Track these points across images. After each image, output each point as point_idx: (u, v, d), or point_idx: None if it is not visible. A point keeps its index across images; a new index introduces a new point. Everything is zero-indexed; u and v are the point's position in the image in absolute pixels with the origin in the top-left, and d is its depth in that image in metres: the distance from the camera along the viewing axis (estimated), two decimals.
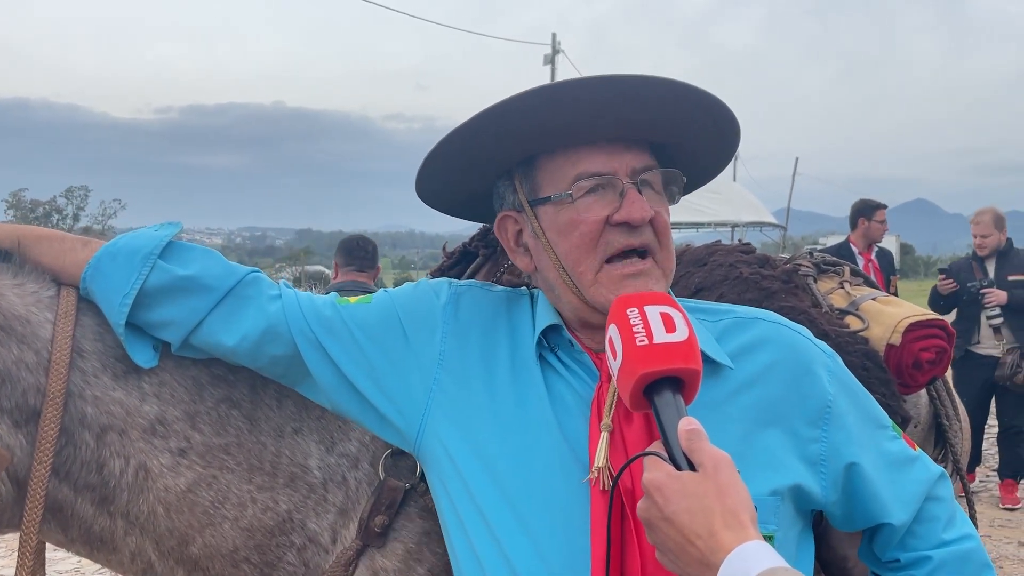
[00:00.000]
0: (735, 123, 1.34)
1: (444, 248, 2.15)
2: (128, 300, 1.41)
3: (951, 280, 6.63)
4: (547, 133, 1.27)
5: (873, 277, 7.45)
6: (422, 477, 1.54)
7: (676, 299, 1.21)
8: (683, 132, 1.32)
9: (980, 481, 7.22)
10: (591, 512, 1.20)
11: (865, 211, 7.07)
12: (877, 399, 1.97)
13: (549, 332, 1.34)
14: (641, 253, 1.27)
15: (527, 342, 1.35)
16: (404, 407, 1.37)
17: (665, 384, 1.06)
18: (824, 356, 1.36)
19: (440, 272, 2.08)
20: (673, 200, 1.34)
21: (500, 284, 1.65)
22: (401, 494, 1.55)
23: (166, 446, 1.49)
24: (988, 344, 6.55)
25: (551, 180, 1.30)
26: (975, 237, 6.68)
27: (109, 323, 1.46)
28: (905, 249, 56.12)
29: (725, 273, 2.10)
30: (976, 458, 7.01)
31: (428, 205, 1.47)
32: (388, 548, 1.56)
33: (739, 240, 3.09)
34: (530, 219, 1.32)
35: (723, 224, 17.30)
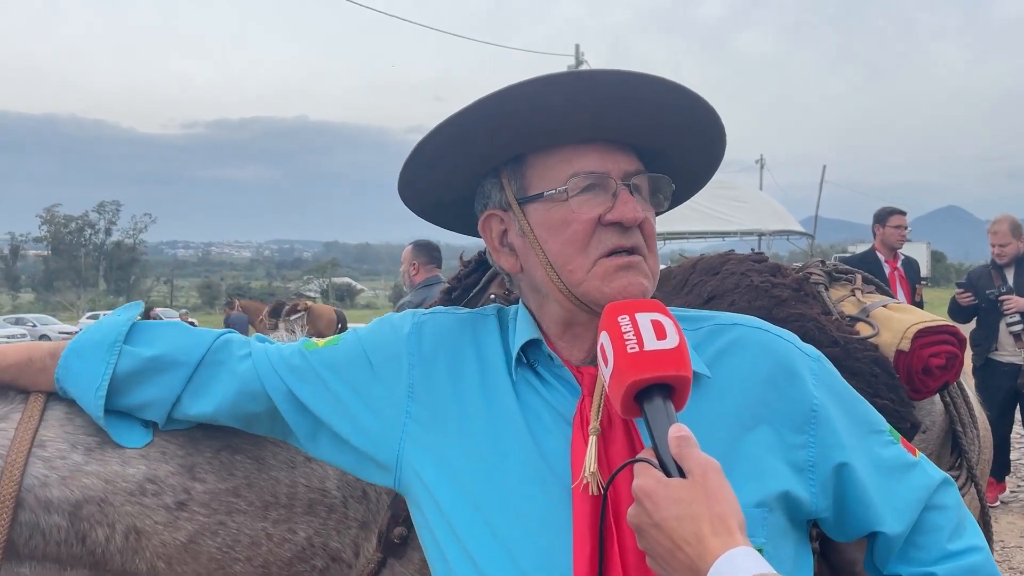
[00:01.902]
0: (723, 130, 1.32)
1: (461, 257, 2.19)
2: (101, 392, 1.43)
3: (968, 293, 6.65)
4: (544, 130, 1.24)
5: (900, 286, 7.37)
6: None
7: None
8: (674, 137, 1.30)
9: (1011, 491, 7.12)
10: (574, 519, 1.17)
11: (879, 218, 7.03)
12: (886, 405, 1.98)
13: (528, 347, 1.30)
14: (629, 252, 1.25)
15: (497, 361, 1.32)
16: (380, 442, 1.34)
17: (656, 391, 1.06)
18: (808, 359, 1.30)
19: (457, 280, 2.13)
20: (660, 207, 1.31)
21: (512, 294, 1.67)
22: None
23: (160, 503, 1.49)
24: (1008, 351, 6.50)
25: (543, 177, 1.27)
26: (993, 247, 6.67)
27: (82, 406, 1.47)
28: (936, 257, 55.31)
29: (736, 281, 2.12)
30: (1005, 467, 6.90)
31: (408, 207, 1.43)
32: (406, 558, 1.57)
33: (753, 249, 3.11)
34: (518, 217, 1.28)
35: (749, 233, 17.11)
